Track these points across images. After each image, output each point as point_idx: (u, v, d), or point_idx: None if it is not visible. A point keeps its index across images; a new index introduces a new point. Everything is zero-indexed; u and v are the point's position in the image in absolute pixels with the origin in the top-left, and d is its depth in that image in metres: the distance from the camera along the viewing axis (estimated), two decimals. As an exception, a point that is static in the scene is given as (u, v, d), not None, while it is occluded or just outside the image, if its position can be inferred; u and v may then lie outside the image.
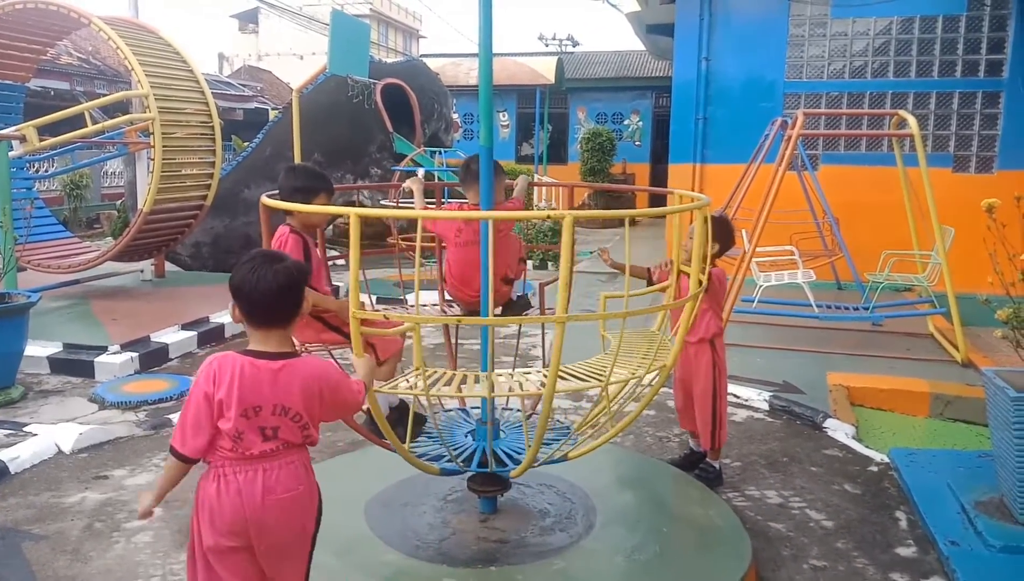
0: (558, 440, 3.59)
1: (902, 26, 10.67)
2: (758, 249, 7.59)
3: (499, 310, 4.14)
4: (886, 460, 4.86)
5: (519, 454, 3.52)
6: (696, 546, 3.61)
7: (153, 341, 7.08)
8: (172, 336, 7.27)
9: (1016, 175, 10.04)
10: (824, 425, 5.46)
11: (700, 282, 3.43)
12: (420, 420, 3.88)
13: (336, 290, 4.00)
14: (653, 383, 3.45)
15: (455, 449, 3.58)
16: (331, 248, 4.78)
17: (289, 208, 3.18)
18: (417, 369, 2.98)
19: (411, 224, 10.84)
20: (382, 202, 11.71)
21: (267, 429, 2.37)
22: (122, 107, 13.78)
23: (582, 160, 20.67)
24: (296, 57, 44.62)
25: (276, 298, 2.38)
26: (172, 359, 7.06)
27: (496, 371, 3.55)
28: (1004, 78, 10.32)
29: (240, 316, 2.43)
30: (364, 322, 2.92)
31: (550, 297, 4.47)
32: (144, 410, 5.76)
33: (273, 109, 23.08)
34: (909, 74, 10.70)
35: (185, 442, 2.34)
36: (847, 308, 7.75)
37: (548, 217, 2.89)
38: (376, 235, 9.72)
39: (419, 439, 3.77)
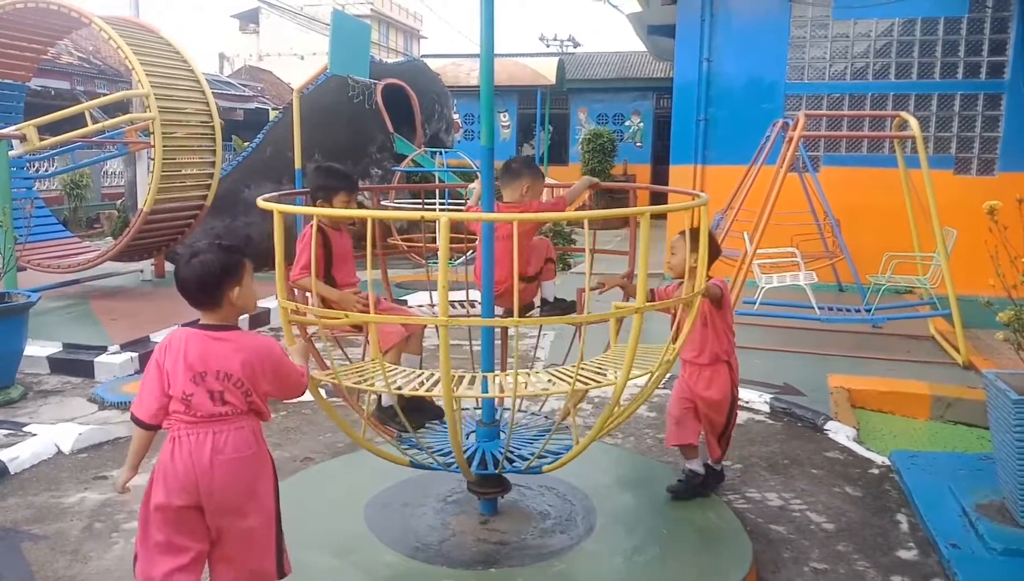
0: (559, 453, 3.55)
1: (904, 28, 10.67)
2: (759, 250, 7.58)
3: (534, 311, 4.23)
4: (887, 462, 4.85)
5: (521, 459, 3.52)
6: (696, 548, 3.60)
7: (153, 341, 7.06)
8: (172, 336, 7.25)
9: (1018, 177, 10.03)
10: (825, 427, 5.45)
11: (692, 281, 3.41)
12: (438, 413, 3.89)
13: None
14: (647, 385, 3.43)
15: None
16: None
17: (281, 209, 3.14)
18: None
19: (411, 225, 10.85)
20: (383, 203, 11.68)
21: (214, 393, 2.57)
22: (122, 107, 13.76)
23: (583, 161, 20.67)
24: (297, 57, 44.66)
25: (193, 286, 2.62)
26: (172, 359, 7.04)
27: (495, 372, 3.55)
28: (1006, 80, 10.32)
29: None
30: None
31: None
32: (144, 410, 5.74)
33: (273, 109, 23.09)
34: (911, 76, 10.69)
35: (141, 407, 2.61)
36: (848, 310, 7.74)
37: (422, 218, 3.01)
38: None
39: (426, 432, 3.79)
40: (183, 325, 2.75)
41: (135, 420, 2.64)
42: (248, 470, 2.62)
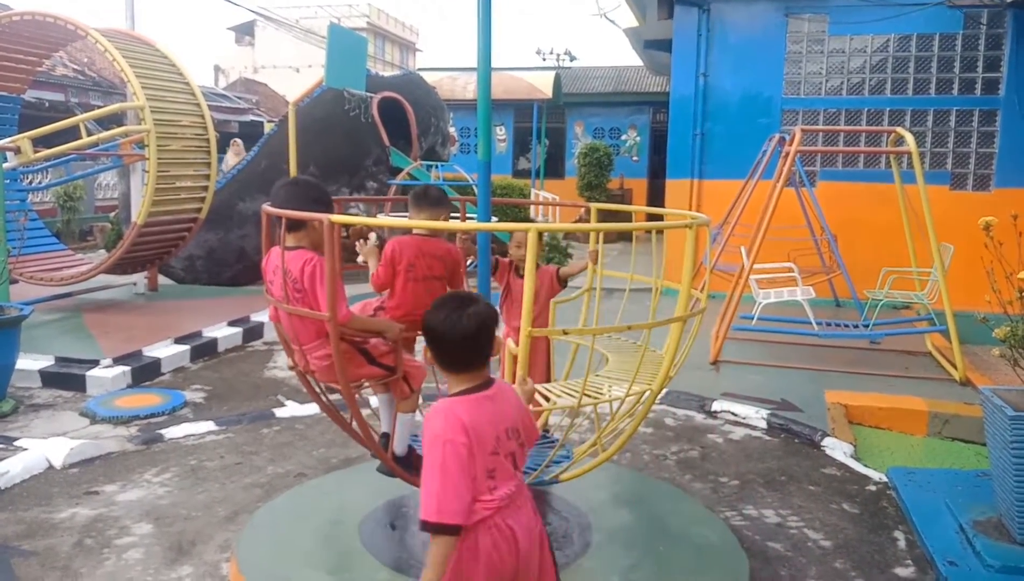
0: (558, 463, 3.54)
1: (899, 44, 10.72)
2: (756, 265, 7.57)
3: None
4: (884, 479, 4.83)
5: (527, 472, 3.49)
6: (693, 566, 3.57)
7: (145, 355, 7.02)
8: (165, 350, 7.21)
9: (1013, 193, 10.07)
10: (822, 443, 5.43)
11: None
12: None
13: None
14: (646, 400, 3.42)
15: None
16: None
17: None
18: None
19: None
20: (378, 216, 11.66)
21: (512, 456, 2.35)
22: (117, 119, 13.74)
23: (579, 175, 20.69)
24: (292, 70, 44.70)
25: (470, 342, 2.34)
26: (164, 373, 7.00)
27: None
28: (1000, 96, 10.36)
29: (433, 360, 2.43)
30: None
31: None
32: (136, 425, 5.70)
33: (268, 122, 23.07)
34: (906, 91, 10.74)
35: (447, 509, 2.18)
36: (846, 326, 7.73)
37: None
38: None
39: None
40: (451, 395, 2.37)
41: (441, 529, 2.19)
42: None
